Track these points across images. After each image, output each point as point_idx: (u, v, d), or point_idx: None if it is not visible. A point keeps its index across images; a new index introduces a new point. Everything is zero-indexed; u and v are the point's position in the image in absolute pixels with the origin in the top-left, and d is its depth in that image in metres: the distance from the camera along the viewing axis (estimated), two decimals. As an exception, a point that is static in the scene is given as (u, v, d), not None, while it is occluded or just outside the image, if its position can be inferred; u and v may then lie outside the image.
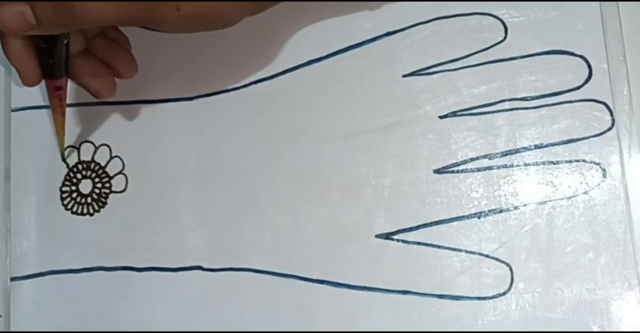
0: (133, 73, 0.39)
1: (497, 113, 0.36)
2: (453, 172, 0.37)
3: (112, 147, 0.41)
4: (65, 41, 0.34)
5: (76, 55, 0.37)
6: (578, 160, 0.35)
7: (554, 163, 0.36)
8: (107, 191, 0.41)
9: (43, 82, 0.36)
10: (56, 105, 0.38)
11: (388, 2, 0.38)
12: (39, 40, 0.34)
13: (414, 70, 0.38)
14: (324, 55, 0.39)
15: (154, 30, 0.34)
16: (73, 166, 0.41)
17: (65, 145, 0.41)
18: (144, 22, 0.33)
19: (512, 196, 0.36)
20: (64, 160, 0.41)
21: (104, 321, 0.39)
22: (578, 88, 0.36)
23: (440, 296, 0.36)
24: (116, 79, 0.39)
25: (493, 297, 0.35)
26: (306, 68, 0.39)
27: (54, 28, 0.32)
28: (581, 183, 0.35)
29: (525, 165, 0.36)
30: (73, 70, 0.37)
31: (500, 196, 0.36)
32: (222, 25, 0.34)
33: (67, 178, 0.42)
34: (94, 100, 0.40)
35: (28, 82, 0.35)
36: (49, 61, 0.35)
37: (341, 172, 0.38)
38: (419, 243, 0.36)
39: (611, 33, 0.36)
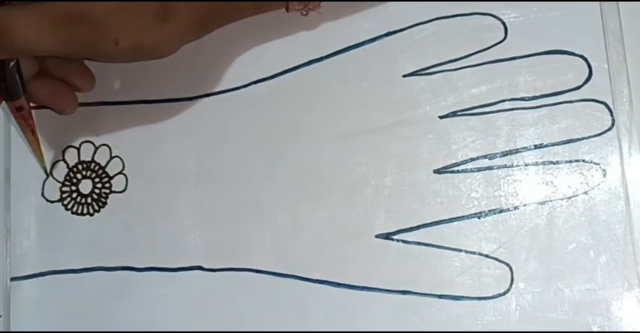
0: (91, 85, 0.38)
1: (497, 113, 0.36)
2: (453, 172, 0.37)
3: (112, 147, 0.41)
4: (12, 63, 0.33)
5: (32, 77, 0.36)
6: (578, 160, 0.35)
7: (554, 163, 0.36)
8: (107, 191, 0.41)
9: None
10: (23, 125, 0.38)
11: (388, 2, 0.38)
12: None
13: (414, 70, 0.38)
14: (324, 55, 0.39)
15: (93, 60, 0.34)
16: (73, 166, 0.41)
17: (45, 160, 0.41)
18: (83, 55, 0.33)
19: (512, 196, 0.36)
20: (48, 174, 0.41)
21: (104, 321, 0.39)
22: (578, 88, 0.36)
23: (440, 296, 0.36)
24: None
25: (493, 297, 0.35)
26: (306, 68, 0.39)
27: None
28: (581, 183, 0.35)
29: (525, 165, 0.36)
30: (31, 93, 0.36)
31: (500, 196, 0.36)
32: (160, 56, 0.34)
33: (67, 178, 0.42)
34: (94, 100, 0.40)
35: None
36: (2, 84, 0.34)
37: (341, 172, 0.38)
38: (419, 243, 0.36)
39: (611, 33, 0.36)
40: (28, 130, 0.38)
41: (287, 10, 0.36)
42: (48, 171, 0.41)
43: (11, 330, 0.40)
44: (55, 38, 0.31)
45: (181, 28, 0.33)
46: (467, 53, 0.37)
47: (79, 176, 0.41)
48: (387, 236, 0.37)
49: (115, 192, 0.41)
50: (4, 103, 0.36)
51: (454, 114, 0.37)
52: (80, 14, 0.31)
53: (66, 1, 0.31)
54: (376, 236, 0.37)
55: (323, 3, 0.36)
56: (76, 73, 0.38)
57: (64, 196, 0.41)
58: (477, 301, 0.35)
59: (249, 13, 0.36)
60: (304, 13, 0.36)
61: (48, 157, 0.41)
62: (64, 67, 0.37)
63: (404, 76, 0.38)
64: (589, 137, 0.35)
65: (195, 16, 0.33)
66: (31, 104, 0.37)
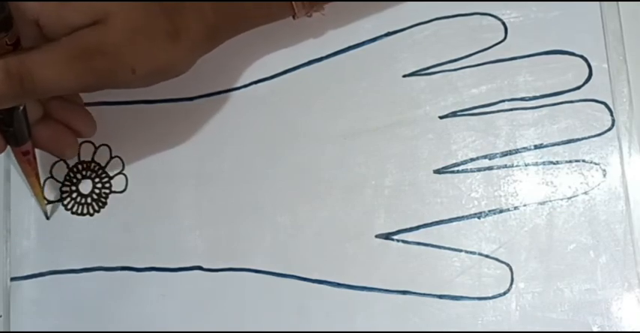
0: (93, 130, 0.38)
1: (497, 113, 0.36)
2: (453, 172, 0.37)
3: (112, 147, 0.41)
4: (21, 108, 0.33)
5: (35, 122, 0.36)
6: (578, 160, 0.35)
7: (554, 163, 0.36)
8: (107, 191, 0.41)
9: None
10: (27, 169, 0.38)
11: (388, 2, 0.38)
12: None
13: (414, 70, 0.38)
14: (324, 55, 0.39)
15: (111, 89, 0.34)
16: (73, 166, 0.41)
17: (45, 203, 0.41)
18: (101, 88, 0.33)
19: (512, 196, 0.36)
20: (47, 217, 0.41)
21: (104, 321, 0.39)
22: (578, 88, 0.36)
23: (440, 296, 0.36)
24: None
25: (493, 297, 0.35)
26: (306, 68, 0.39)
27: (9, 102, 0.31)
28: (581, 183, 0.35)
29: (525, 165, 0.36)
30: (35, 137, 0.36)
31: (500, 196, 0.36)
32: (176, 75, 0.34)
33: (67, 178, 0.42)
34: (94, 100, 0.40)
35: None
36: (9, 129, 0.34)
37: (341, 172, 0.38)
38: (419, 243, 0.36)
39: (611, 33, 0.36)
40: (32, 174, 0.38)
41: (294, 17, 0.36)
42: (48, 215, 0.41)
43: (11, 330, 0.40)
44: (73, 74, 0.31)
45: (194, 45, 0.34)
46: (467, 53, 0.37)
47: (79, 176, 0.41)
48: (387, 236, 0.37)
49: (115, 192, 0.41)
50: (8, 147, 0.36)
51: (454, 114, 0.37)
52: (94, 46, 0.31)
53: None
54: (376, 236, 0.37)
55: (328, 10, 0.36)
56: (78, 117, 0.38)
57: (64, 196, 0.41)
58: (476, 301, 0.35)
59: (258, 24, 0.36)
60: (308, 15, 0.36)
61: (48, 158, 0.41)
62: (66, 111, 0.37)
63: (404, 76, 0.38)
64: (589, 137, 0.35)
65: (204, 30, 0.33)
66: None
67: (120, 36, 0.31)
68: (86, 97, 0.40)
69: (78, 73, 0.31)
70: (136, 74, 0.32)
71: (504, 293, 0.35)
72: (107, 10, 0.31)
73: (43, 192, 0.40)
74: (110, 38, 0.31)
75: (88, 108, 0.41)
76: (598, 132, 0.35)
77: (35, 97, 0.32)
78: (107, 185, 0.41)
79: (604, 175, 0.35)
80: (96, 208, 0.41)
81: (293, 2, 0.35)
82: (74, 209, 0.41)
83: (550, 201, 0.35)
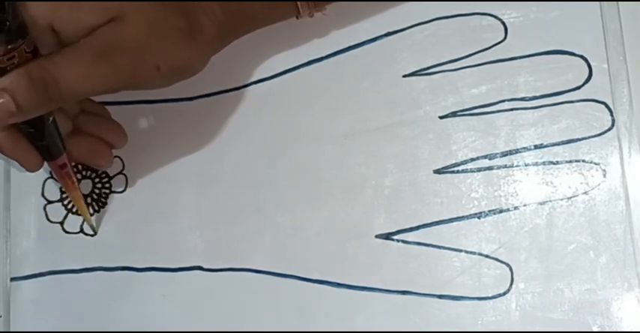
0: (124, 140, 0.39)
1: (497, 113, 0.36)
2: (453, 172, 0.37)
3: (112, 147, 0.41)
4: (51, 119, 0.33)
5: (66, 135, 0.36)
6: (578, 160, 0.35)
7: (554, 163, 0.36)
8: (107, 191, 0.41)
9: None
10: (67, 183, 0.37)
11: (388, 2, 0.38)
12: (23, 127, 0.32)
13: (414, 70, 0.38)
14: (324, 55, 0.39)
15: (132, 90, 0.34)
16: (73, 166, 0.41)
17: (91, 217, 0.40)
18: (125, 88, 0.32)
19: (512, 196, 0.36)
20: (95, 232, 0.40)
21: (104, 321, 0.39)
22: (578, 88, 0.36)
23: (440, 296, 0.36)
24: None
25: (493, 297, 0.35)
26: (306, 68, 0.39)
27: (36, 111, 0.31)
28: (581, 183, 0.35)
29: (525, 165, 0.36)
30: (69, 150, 0.36)
31: (500, 196, 0.36)
32: (193, 74, 0.34)
33: (67, 178, 0.41)
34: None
35: (30, 169, 0.35)
36: (42, 143, 0.34)
37: (341, 172, 0.38)
38: (419, 243, 0.36)
39: (611, 33, 0.36)
40: (73, 188, 0.38)
41: (297, 18, 0.36)
42: (97, 230, 0.40)
43: (11, 330, 0.40)
44: (96, 74, 0.30)
45: (207, 44, 0.34)
46: (467, 53, 0.37)
47: (79, 176, 0.41)
48: (387, 236, 0.37)
49: (115, 192, 0.41)
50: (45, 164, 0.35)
51: (454, 114, 0.37)
52: (115, 44, 0.31)
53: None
54: (376, 236, 0.37)
55: (330, 10, 0.36)
56: (109, 128, 0.38)
57: (64, 196, 0.41)
58: (476, 302, 0.35)
59: (263, 24, 0.36)
60: (310, 15, 0.36)
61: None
62: (97, 124, 0.37)
63: (404, 76, 0.38)
64: (589, 137, 0.35)
65: (216, 30, 0.33)
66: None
67: (139, 32, 0.31)
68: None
69: (101, 73, 0.31)
70: (160, 72, 0.32)
71: (504, 293, 0.35)
72: (121, 7, 0.31)
73: (85, 206, 0.39)
74: (129, 34, 0.31)
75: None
76: (598, 132, 0.35)
77: (62, 102, 0.32)
78: (107, 185, 0.41)
79: (604, 175, 0.35)
80: (96, 208, 0.41)
81: (298, 2, 0.35)
82: (74, 209, 0.41)
83: (550, 201, 0.35)
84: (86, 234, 0.41)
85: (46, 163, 0.35)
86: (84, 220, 0.40)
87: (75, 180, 0.38)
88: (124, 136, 0.39)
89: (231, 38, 0.36)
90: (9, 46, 0.29)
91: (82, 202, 0.39)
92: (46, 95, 0.30)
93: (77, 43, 0.30)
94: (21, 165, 0.34)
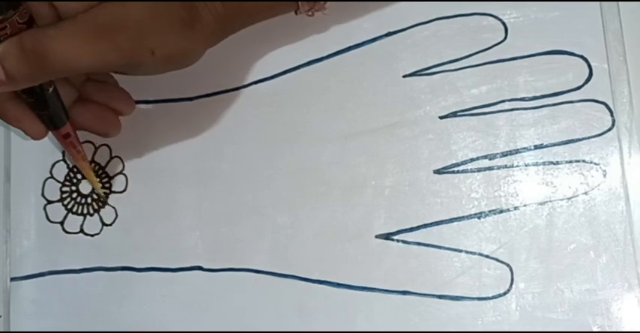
0: (132, 108, 0.39)
1: (497, 113, 0.36)
2: (453, 172, 0.37)
3: (112, 147, 0.41)
4: (51, 89, 0.33)
5: (72, 104, 0.36)
6: (578, 161, 0.35)
7: (554, 164, 0.36)
8: (107, 191, 0.41)
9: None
10: (73, 153, 0.38)
11: (388, 2, 0.38)
12: (24, 96, 0.33)
13: (414, 70, 0.38)
14: (324, 55, 0.39)
15: (121, 73, 0.34)
16: (73, 166, 0.41)
17: (99, 185, 0.40)
18: (119, 68, 0.32)
19: (512, 196, 0.36)
20: (106, 201, 0.40)
21: (104, 321, 0.39)
22: (579, 88, 0.36)
23: (440, 296, 0.36)
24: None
25: (493, 297, 0.35)
26: (306, 68, 0.39)
27: (27, 81, 0.31)
28: (581, 183, 0.35)
29: (525, 165, 0.36)
30: (74, 119, 0.36)
31: (501, 196, 0.36)
32: (188, 64, 0.34)
33: (67, 178, 0.42)
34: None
35: (35, 137, 0.35)
36: (45, 112, 0.34)
37: (341, 172, 0.38)
38: (419, 243, 0.36)
39: (612, 33, 0.36)
40: (79, 158, 0.38)
41: (296, 13, 0.36)
42: (106, 198, 0.40)
43: (11, 330, 0.40)
44: (92, 51, 0.30)
45: (206, 34, 0.34)
46: (467, 53, 0.37)
47: (79, 176, 0.41)
48: (387, 236, 0.37)
49: (115, 192, 0.41)
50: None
51: (454, 114, 0.37)
52: (115, 21, 0.31)
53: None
54: (376, 236, 0.37)
55: (330, 9, 0.36)
56: (116, 96, 0.38)
57: (64, 196, 0.41)
58: (477, 302, 0.35)
59: (264, 17, 0.36)
60: (310, 14, 0.36)
61: (48, 158, 0.41)
62: (104, 92, 0.37)
63: (404, 76, 0.38)
64: (589, 137, 0.35)
65: (214, 22, 0.33)
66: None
67: (140, 14, 0.31)
68: (86, 97, 0.40)
69: (97, 50, 0.30)
70: (154, 56, 0.32)
71: (504, 293, 0.35)
72: None
73: (93, 174, 0.39)
74: (131, 15, 0.31)
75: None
76: (598, 132, 0.35)
77: (54, 74, 0.32)
78: (107, 185, 0.41)
79: (604, 176, 0.35)
80: (96, 208, 0.41)
81: (299, 2, 0.35)
82: (74, 209, 0.41)
83: (550, 201, 0.35)
84: (86, 234, 0.41)
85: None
86: (84, 217, 0.40)
87: (81, 149, 0.38)
88: (131, 103, 0.38)
89: (228, 32, 0.36)
90: (0, 17, 0.29)
91: (90, 171, 0.39)
92: (37, 66, 0.30)
93: (75, 17, 0.30)
94: (25, 134, 0.35)
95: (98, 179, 0.40)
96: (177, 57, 0.33)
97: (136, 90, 0.40)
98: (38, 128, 0.35)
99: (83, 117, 0.37)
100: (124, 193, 0.40)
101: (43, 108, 0.34)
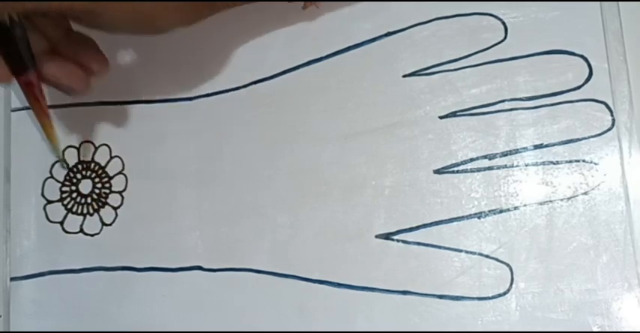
0: (106, 68, 0.37)
1: (497, 113, 0.36)
2: (453, 172, 0.37)
3: (112, 147, 0.41)
4: (20, 31, 0.32)
5: (42, 55, 0.35)
6: (578, 160, 0.35)
7: (554, 163, 0.36)
8: (107, 191, 0.41)
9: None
10: (35, 106, 0.36)
11: (388, 2, 0.38)
12: None
13: (414, 70, 0.38)
14: (324, 55, 0.39)
15: (88, 27, 0.33)
16: (73, 166, 0.41)
17: (61, 147, 0.39)
18: (84, 13, 0.31)
19: (512, 196, 0.36)
20: (66, 165, 0.40)
21: (104, 321, 0.39)
22: (579, 88, 0.36)
23: (440, 296, 0.36)
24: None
25: (493, 297, 0.35)
26: (306, 68, 0.39)
27: None
28: (581, 183, 0.35)
29: (525, 165, 0.36)
30: (42, 71, 0.35)
31: (500, 196, 0.36)
32: (154, 31, 0.33)
33: (67, 178, 0.42)
34: (94, 100, 0.40)
35: None
36: (8, 49, 0.33)
37: (341, 172, 0.38)
38: (419, 243, 0.36)
39: (612, 33, 0.36)
40: (42, 113, 0.36)
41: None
42: (62, 158, 0.39)
43: (11, 330, 0.40)
44: None
45: (184, 5, 0.32)
46: (467, 53, 0.37)
47: (79, 176, 0.41)
48: (387, 236, 0.37)
49: (115, 192, 0.41)
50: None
51: (454, 114, 0.37)
52: None
53: None
54: (376, 236, 0.37)
55: (322, 3, 0.36)
56: (88, 53, 0.36)
57: (64, 196, 0.41)
58: (477, 302, 0.35)
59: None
60: (303, 6, 0.35)
61: (48, 158, 0.41)
62: (77, 48, 0.36)
63: (404, 76, 0.38)
64: (589, 137, 0.35)
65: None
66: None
67: None
68: (86, 97, 0.40)
69: None
70: (121, 7, 0.31)
71: (504, 293, 0.35)
72: None
73: (54, 133, 0.38)
74: None
75: (87, 108, 0.41)
76: (598, 132, 0.35)
77: (15, 11, 0.31)
78: (107, 185, 0.41)
79: (604, 175, 0.35)
80: (96, 208, 0.41)
81: None
82: (74, 209, 0.41)
83: (550, 201, 0.35)
84: (86, 234, 0.41)
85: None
86: (84, 217, 0.40)
87: (44, 104, 0.36)
88: (105, 63, 0.37)
89: (214, 9, 0.34)
90: None
91: (51, 129, 0.37)
92: None
93: None
94: None
95: (64, 147, 0.38)
96: (144, 17, 0.32)
97: (136, 90, 0.41)
98: (2, 70, 0.33)
99: (50, 69, 0.35)
100: (124, 193, 0.40)
101: (8, 45, 0.33)
